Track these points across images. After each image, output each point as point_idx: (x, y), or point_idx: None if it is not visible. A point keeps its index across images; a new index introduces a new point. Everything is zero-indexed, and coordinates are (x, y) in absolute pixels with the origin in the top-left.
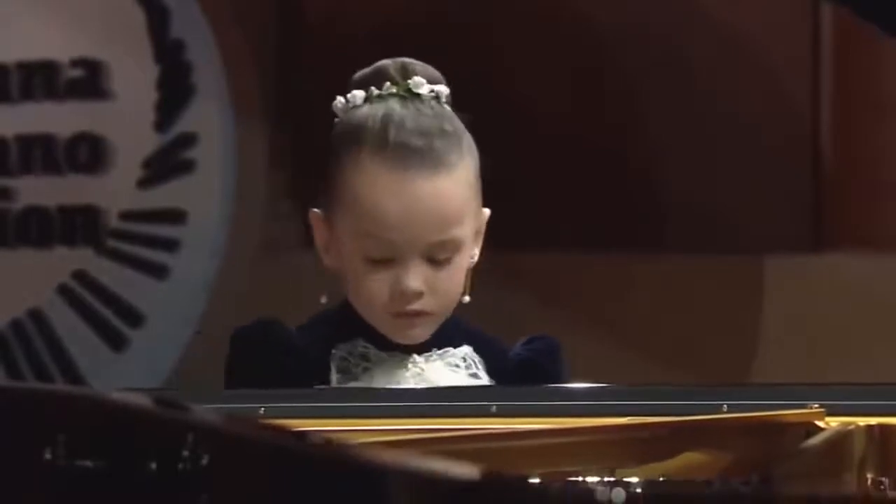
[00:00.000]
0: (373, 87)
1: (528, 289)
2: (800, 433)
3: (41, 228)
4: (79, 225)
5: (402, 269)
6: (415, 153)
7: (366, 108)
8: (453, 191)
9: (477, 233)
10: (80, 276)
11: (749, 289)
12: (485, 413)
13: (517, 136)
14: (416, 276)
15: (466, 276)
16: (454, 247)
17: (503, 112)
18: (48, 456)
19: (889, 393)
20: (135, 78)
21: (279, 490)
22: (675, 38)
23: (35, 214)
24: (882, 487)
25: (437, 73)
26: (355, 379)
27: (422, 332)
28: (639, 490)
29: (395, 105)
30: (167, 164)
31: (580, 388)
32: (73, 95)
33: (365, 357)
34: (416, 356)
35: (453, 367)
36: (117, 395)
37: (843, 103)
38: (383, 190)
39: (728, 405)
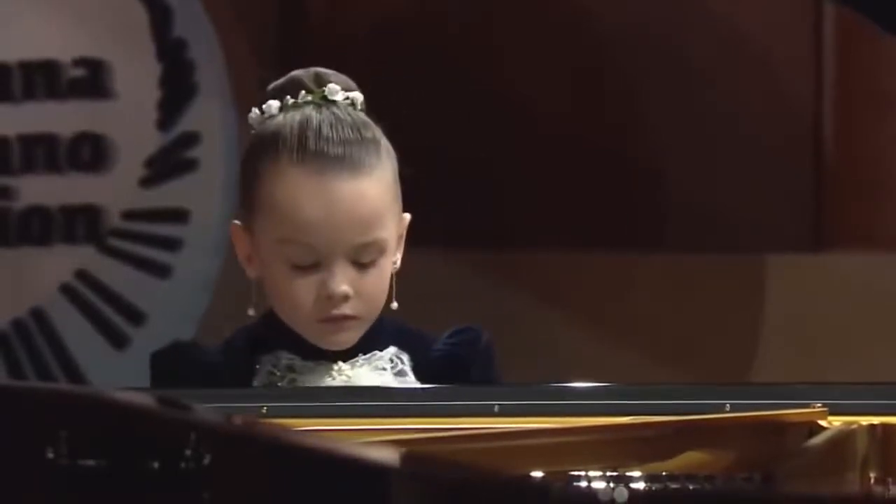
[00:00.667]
0: (288, 97)
1: (529, 288)
2: (803, 432)
3: (43, 227)
4: (81, 224)
5: (328, 273)
6: (333, 158)
7: (281, 117)
8: (373, 192)
9: (399, 238)
10: (83, 275)
11: (750, 288)
12: (487, 412)
13: (517, 135)
14: (342, 280)
15: (392, 283)
16: (378, 249)
17: (503, 111)
18: (50, 455)
19: (891, 392)
20: (137, 77)
21: (280, 489)
22: (676, 36)
23: (37, 213)
24: (885, 486)
25: (350, 82)
26: None
27: (349, 337)
28: (641, 488)
29: (311, 112)
30: (169, 162)
31: (582, 387)
32: (76, 94)
33: (290, 368)
34: (341, 363)
35: (380, 371)
36: (119, 395)
37: (845, 102)
38: (304, 195)
39: (731, 404)
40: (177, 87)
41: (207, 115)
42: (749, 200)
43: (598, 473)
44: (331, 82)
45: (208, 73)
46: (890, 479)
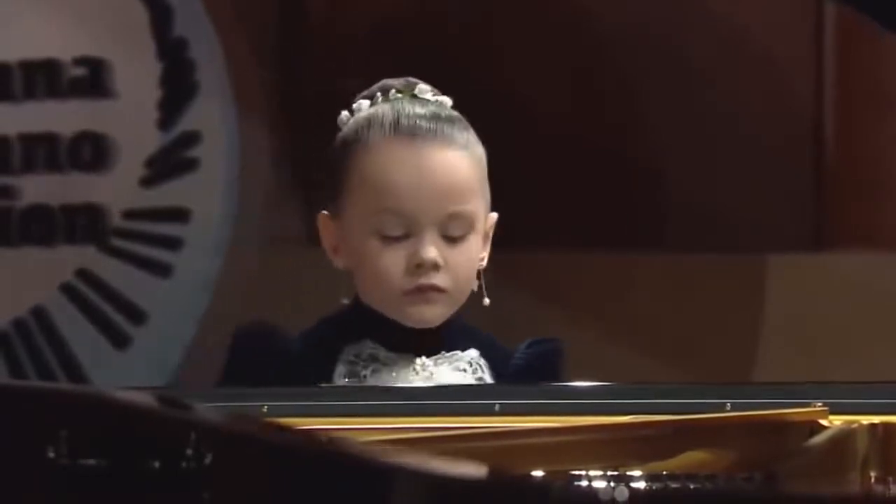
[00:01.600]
0: (378, 94)
1: (529, 288)
2: (803, 432)
3: (44, 227)
4: (82, 223)
5: (418, 241)
6: (425, 131)
7: (376, 108)
8: (464, 164)
9: (486, 235)
10: (84, 274)
11: (751, 287)
12: (488, 412)
13: (517, 135)
14: (431, 248)
15: (480, 279)
16: (468, 223)
17: (503, 111)
18: (51, 454)
19: (892, 392)
20: (138, 76)
21: (282, 488)
22: (677, 36)
23: (38, 213)
24: (885, 485)
25: (438, 90)
26: (362, 381)
27: (434, 312)
28: (642, 488)
29: (402, 101)
30: (170, 162)
31: (583, 386)
32: (76, 94)
33: (374, 358)
34: (424, 358)
35: (460, 371)
36: (120, 394)
37: (845, 102)
38: (397, 161)
39: (731, 404)
40: (177, 87)
41: (208, 114)
42: (749, 200)
43: (599, 473)
44: (420, 85)
45: (209, 72)
46: (891, 479)
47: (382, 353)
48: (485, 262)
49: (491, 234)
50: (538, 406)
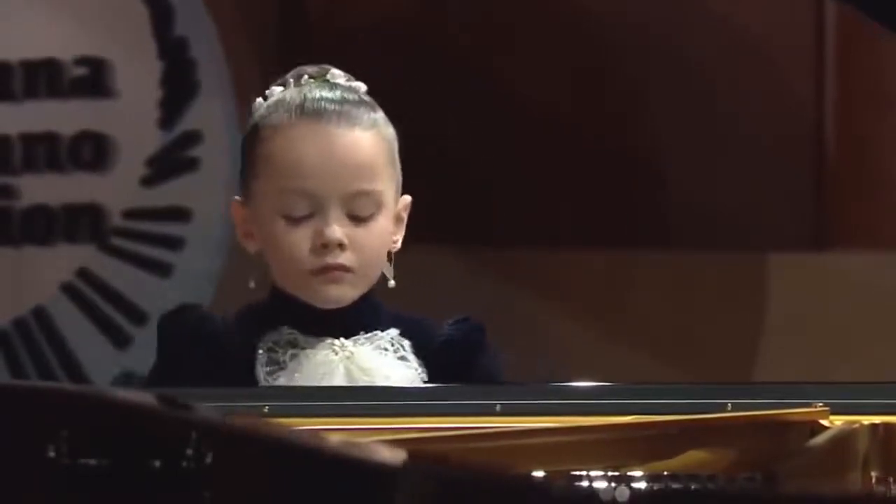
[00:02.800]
0: (290, 80)
1: (530, 286)
2: (804, 432)
3: (45, 227)
4: (83, 223)
5: (323, 221)
6: (331, 111)
7: (284, 92)
8: (369, 143)
9: (398, 217)
10: (84, 274)
11: (752, 286)
12: (489, 412)
13: (518, 133)
14: (336, 227)
15: (390, 261)
16: (374, 202)
17: (503, 109)
18: (52, 454)
19: (893, 392)
20: (138, 76)
21: (282, 488)
22: (678, 35)
23: (39, 213)
24: (886, 486)
25: (352, 77)
26: (283, 367)
27: (342, 291)
28: (643, 488)
29: (312, 86)
30: (171, 161)
31: (584, 386)
32: (77, 93)
33: (292, 343)
34: (343, 340)
35: (382, 350)
36: (121, 394)
37: (846, 101)
38: (301, 140)
39: (732, 404)
40: (178, 86)
41: (209, 113)
42: (750, 199)
43: (600, 473)
44: (333, 70)
45: (209, 71)
46: (891, 479)
47: (300, 337)
48: (398, 245)
49: (405, 218)
50: (539, 406)
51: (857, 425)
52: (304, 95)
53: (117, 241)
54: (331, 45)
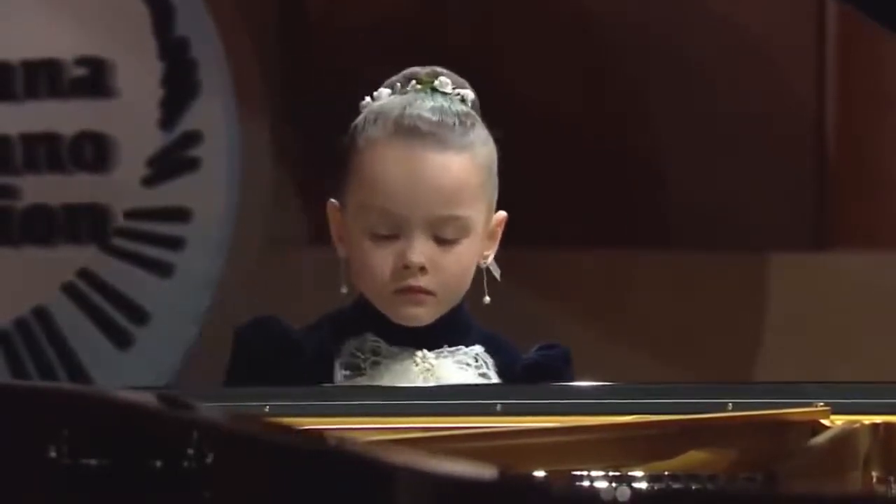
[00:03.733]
0: (398, 84)
1: (531, 286)
2: (805, 431)
3: (46, 227)
4: (84, 223)
5: (406, 244)
6: (425, 129)
7: (389, 99)
8: (459, 167)
9: (491, 234)
10: (85, 274)
11: (753, 286)
12: (490, 412)
13: (519, 132)
14: (419, 251)
15: (483, 277)
16: (460, 227)
17: (503, 109)
18: (53, 454)
19: (894, 392)
20: (139, 76)
21: (283, 488)
22: (678, 35)
23: (40, 213)
24: (887, 485)
25: (465, 82)
26: (363, 373)
27: (423, 313)
28: (643, 488)
29: (417, 95)
30: (171, 161)
31: (585, 386)
32: (78, 93)
33: (375, 351)
34: (426, 352)
35: (463, 366)
36: (122, 394)
37: (848, 100)
38: (390, 161)
39: (733, 403)
40: (179, 86)
41: (209, 113)
42: (751, 199)
43: (601, 473)
44: (443, 76)
45: (210, 71)
46: (892, 479)
47: (384, 346)
48: (490, 260)
49: (500, 233)
50: (539, 406)
51: (857, 425)
52: (404, 109)
53: (118, 241)
54: (331, 45)
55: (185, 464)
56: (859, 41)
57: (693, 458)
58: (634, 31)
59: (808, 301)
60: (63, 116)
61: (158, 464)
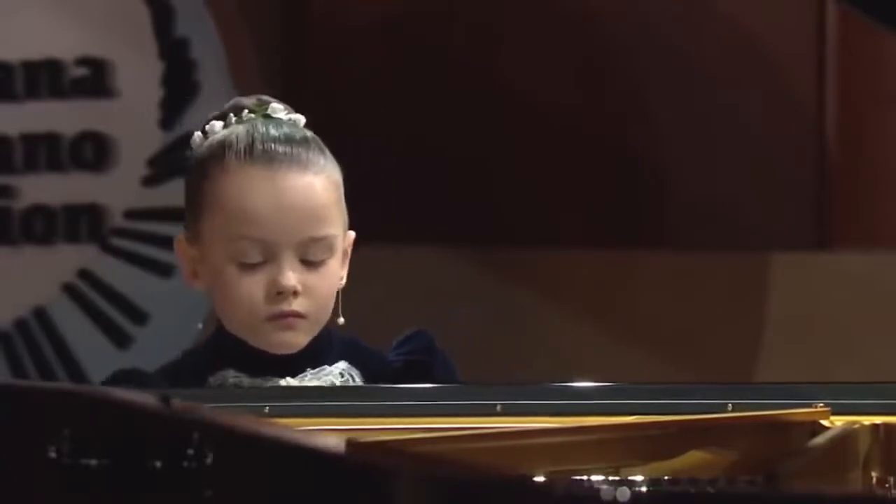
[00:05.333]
0: (231, 115)
1: (531, 285)
2: (805, 432)
3: (46, 227)
4: (83, 223)
5: (277, 268)
6: (282, 154)
7: (229, 130)
8: (322, 186)
9: (344, 254)
10: (85, 274)
11: (754, 286)
12: (489, 412)
13: (519, 131)
14: (290, 274)
15: (338, 298)
16: (327, 247)
17: (504, 108)
18: (53, 454)
19: (894, 392)
20: (139, 76)
21: (282, 488)
22: (679, 34)
23: (40, 213)
24: (887, 486)
25: (291, 108)
26: None
27: (297, 338)
28: (643, 489)
29: (256, 122)
30: (172, 162)
31: (585, 386)
32: (78, 94)
33: (238, 386)
34: (289, 379)
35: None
36: (122, 394)
37: (848, 99)
38: (252, 189)
39: (733, 404)
40: (179, 86)
41: (210, 114)
42: (753, 198)
43: (601, 477)
44: (273, 103)
45: (210, 71)
46: (892, 479)
47: (246, 379)
48: (343, 282)
49: (350, 252)
50: (539, 406)
51: (857, 426)
52: (252, 137)
53: (118, 242)
54: (331, 45)
55: (185, 464)
56: (859, 41)
57: (693, 458)
58: (635, 30)
59: (810, 301)
60: (63, 116)
61: (158, 464)
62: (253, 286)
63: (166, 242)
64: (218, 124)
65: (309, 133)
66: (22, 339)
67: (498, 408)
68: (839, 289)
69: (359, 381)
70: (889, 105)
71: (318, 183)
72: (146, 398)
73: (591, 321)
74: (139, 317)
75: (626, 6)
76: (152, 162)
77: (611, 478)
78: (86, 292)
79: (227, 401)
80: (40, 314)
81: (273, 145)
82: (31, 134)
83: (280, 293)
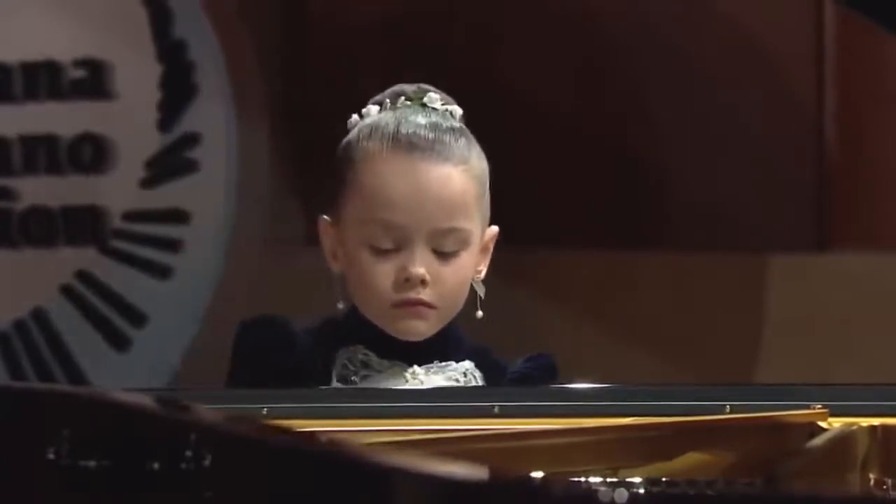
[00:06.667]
0: (387, 100)
1: (530, 286)
2: (803, 433)
3: (44, 228)
4: (82, 225)
5: (408, 256)
6: (425, 142)
7: (379, 116)
8: (461, 180)
9: (484, 248)
10: (83, 276)
11: (753, 287)
12: (487, 413)
13: (519, 131)
14: (421, 263)
15: (475, 293)
16: (461, 239)
17: (505, 108)
18: (51, 455)
19: (892, 393)
20: (138, 78)
21: (281, 490)
22: (679, 35)
23: (38, 214)
24: (885, 487)
25: (450, 98)
26: (354, 385)
27: (422, 327)
28: (641, 490)
29: (408, 111)
30: (170, 163)
31: (583, 388)
32: (77, 95)
33: (365, 364)
34: (416, 367)
35: (453, 382)
36: (120, 395)
37: (848, 99)
38: (391, 174)
39: (731, 405)
40: (177, 88)
41: (208, 116)
42: (752, 200)
43: (599, 479)
44: (431, 93)
45: (209, 74)
46: (890, 481)
47: (374, 359)
48: (482, 275)
49: (491, 248)
50: (537, 408)
51: (855, 427)
52: (399, 123)
53: (116, 243)
54: (330, 46)
55: (183, 465)
56: (859, 41)
57: (691, 459)
58: (634, 31)
59: (809, 302)
60: (62, 118)
61: (156, 465)
62: (383, 272)
63: (164, 244)
64: (374, 108)
65: (458, 124)
66: (20, 341)
67: (495, 409)
68: (839, 289)
69: (480, 384)
70: (889, 105)
71: (457, 175)
72: (144, 400)
73: (590, 322)
74: (137, 318)
75: (626, 6)
76: (150, 164)
77: (609, 479)
78: (84, 294)
79: (226, 402)
80: (39, 315)
81: (417, 133)
82: (29, 135)
83: (408, 280)
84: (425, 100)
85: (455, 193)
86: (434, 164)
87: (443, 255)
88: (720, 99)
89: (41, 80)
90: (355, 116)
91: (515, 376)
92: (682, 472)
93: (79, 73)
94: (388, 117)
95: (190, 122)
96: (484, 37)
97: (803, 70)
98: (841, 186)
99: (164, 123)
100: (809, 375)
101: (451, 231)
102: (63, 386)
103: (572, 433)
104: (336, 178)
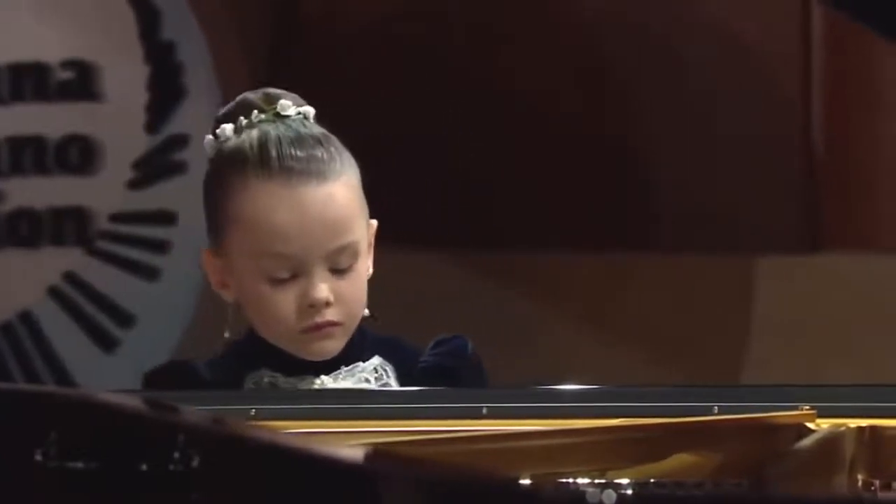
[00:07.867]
0: (241, 118)
1: (526, 289)
2: (791, 435)
3: (31, 230)
4: (69, 226)
5: (307, 282)
6: (299, 164)
7: (238, 138)
8: (342, 196)
9: (369, 244)
10: (71, 277)
11: (745, 289)
12: (475, 415)
13: (514, 134)
14: (322, 286)
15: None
16: (352, 253)
17: (501, 110)
18: (39, 457)
19: (879, 394)
20: (125, 79)
21: (269, 491)
22: (668, 39)
23: (25, 216)
24: (873, 488)
25: (300, 99)
26: None
27: (333, 345)
28: (629, 492)
29: (267, 128)
30: (158, 165)
31: (571, 389)
32: (64, 97)
33: (273, 385)
34: (323, 377)
35: (363, 383)
36: (108, 397)
37: (835, 103)
38: (275, 206)
39: (719, 407)
40: (165, 90)
41: (195, 117)
42: (742, 202)
43: (587, 480)
44: (281, 99)
45: (196, 75)
46: (877, 482)
47: (281, 379)
48: (370, 271)
49: (373, 242)
50: (525, 409)
51: (843, 428)
52: (263, 146)
53: (104, 245)
54: (320, 47)
55: (171, 467)
56: (846, 43)
57: (679, 461)
58: (626, 35)
59: (802, 303)
60: (49, 120)
61: (144, 467)
62: (285, 301)
63: (152, 246)
64: (229, 128)
65: (319, 131)
66: (7, 343)
67: (483, 411)
68: (831, 291)
69: (392, 377)
70: (877, 106)
71: (338, 190)
72: (132, 401)
73: (588, 323)
74: (125, 320)
75: (619, 11)
76: (138, 165)
77: (597, 480)
78: (71, 295)
79: (213, 403)
80: (26, 317)
81: (289, 152)
82: (16, 137)
83: (312, 306)
84: (278, 109)
85: (341, 211)
86: (314, 188)
87: (340, 272)
88: (711, 101)
89: (28, 81)
90: (209, 138)
91: (428, 367)
92: (671, 474)
93: (66, 75)
94: (250, 139)
95: (178, 123)
96: (484, 37)
97: (792, 72)
98: (831, 187)
99: (152, 125)
100: (802, 377)
101: (344, 248)
102: (51, 387)
103: (560, 434)
104: (212, 208)
